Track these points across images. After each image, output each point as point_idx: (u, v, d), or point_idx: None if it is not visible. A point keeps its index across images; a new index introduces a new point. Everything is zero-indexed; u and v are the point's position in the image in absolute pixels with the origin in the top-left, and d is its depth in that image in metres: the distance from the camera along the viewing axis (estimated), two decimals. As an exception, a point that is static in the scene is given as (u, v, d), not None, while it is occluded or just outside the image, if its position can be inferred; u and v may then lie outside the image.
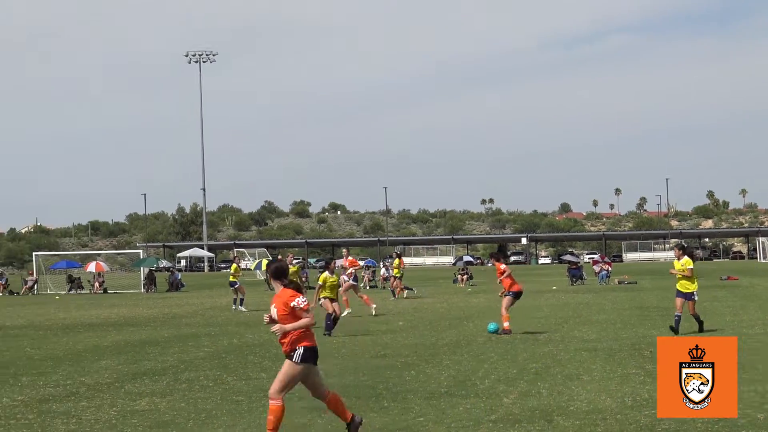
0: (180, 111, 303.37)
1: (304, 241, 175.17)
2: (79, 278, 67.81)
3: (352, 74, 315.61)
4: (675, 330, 21.90)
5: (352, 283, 33.91)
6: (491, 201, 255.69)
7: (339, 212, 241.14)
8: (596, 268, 58.08)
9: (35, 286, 65.47)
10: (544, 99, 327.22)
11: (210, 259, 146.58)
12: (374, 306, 32.36)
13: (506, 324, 23.83)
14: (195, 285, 72.42)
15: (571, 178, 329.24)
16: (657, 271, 74.03)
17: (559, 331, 24.27)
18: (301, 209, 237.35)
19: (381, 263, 76.46)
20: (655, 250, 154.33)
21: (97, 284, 65.07)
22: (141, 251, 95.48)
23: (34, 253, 75.49)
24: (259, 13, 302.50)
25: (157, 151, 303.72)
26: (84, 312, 38.96)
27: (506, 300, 24.05)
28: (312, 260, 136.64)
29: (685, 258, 22.86)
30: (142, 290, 63.88)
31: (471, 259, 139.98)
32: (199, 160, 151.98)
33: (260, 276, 78.39)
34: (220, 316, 34.62)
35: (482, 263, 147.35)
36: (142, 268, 71.09)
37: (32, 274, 67.68)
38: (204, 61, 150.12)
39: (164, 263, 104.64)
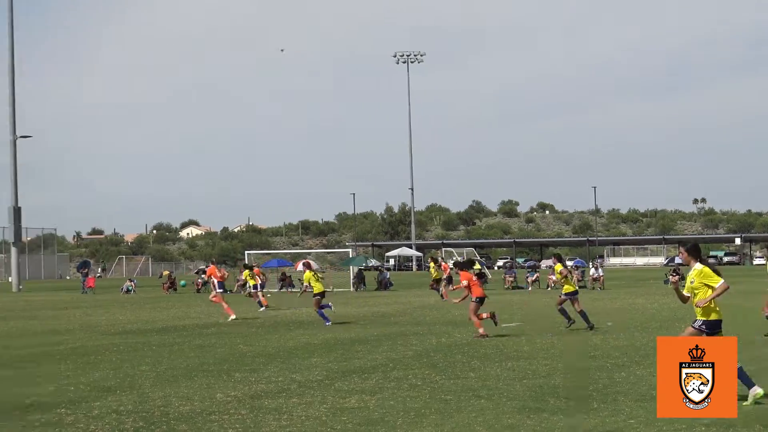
0: (388, 111, 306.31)
1: (512, 240, 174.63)
2: (290, 277, 69.04)
3: (559, 71, 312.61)
4: None
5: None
6: (703, 200, 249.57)
7: (547, 212, 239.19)
8: (815, 269, 55.96)
9: (247, 284, 66.85)
10: (756, 94, 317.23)
11: (418, 259, 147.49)
12: (233, 317, 34.01)
13: (481, 330, 24.75)
14: (403, 284, 72.99)
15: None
16: None
17: (776, 334, 23.45)
18: (509, 209, 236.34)
19: (590, 263, 75.58)
20: None
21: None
22: (350, 250, 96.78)
23: (246, 252, 77.29)
24: (464, 14, 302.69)
25: (366, 151, 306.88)
26: (295, 310, 39.68)
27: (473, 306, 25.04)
28: (520, 260, 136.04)
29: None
30: (352, 289, 64.68)
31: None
32: (407, 159, 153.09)
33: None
34: (428, 315, 34.74)
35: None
36: (351, 267, 72.02)
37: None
38: (412, 62, 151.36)
39: (373, 262, 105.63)
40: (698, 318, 13.60)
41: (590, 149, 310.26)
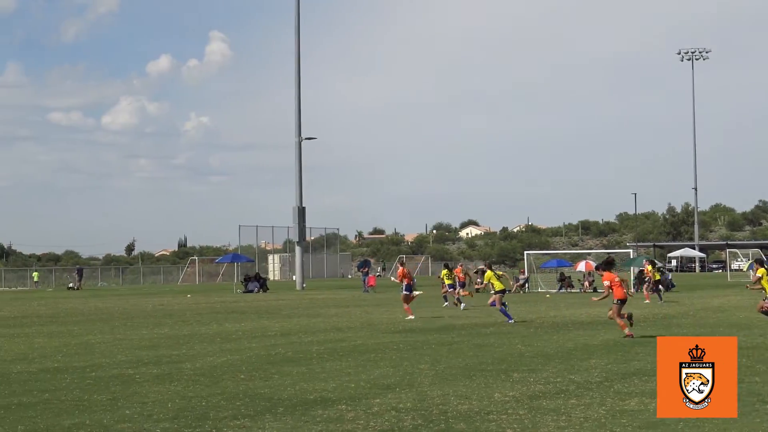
0: (671, 109, 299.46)
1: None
2: (569, 277, 68.66)
3: None
4: None
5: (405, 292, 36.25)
6: None
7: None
8: None
9: (526, 285, 66.93)
10: None
11: (701, 260, 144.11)
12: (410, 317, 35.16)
13: (627, 330, 25.59)
14: (685, 285, 71.37)
15: None
16: None
17: None
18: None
19: None
20: None
21: (587, 283, 65.64)
22: (631, 251, 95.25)
23: (525, 252, 77.32)
24: (753, 9, 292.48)
25: (648, 151, 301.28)
26: (574, 311, 39.35)
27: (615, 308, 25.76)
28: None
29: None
30: (632, 290, 63.66)
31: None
32: (690, 158, 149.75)
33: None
34: (711, 317, 33.81)
35: None
36: (632, 268, 70.93)
37: (523, 273, 69.28)
38: (696, 59, 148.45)
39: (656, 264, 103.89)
40: None
41: None
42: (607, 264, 27.15)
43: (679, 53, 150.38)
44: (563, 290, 65.05)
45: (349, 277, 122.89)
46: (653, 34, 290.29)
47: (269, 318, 37.09)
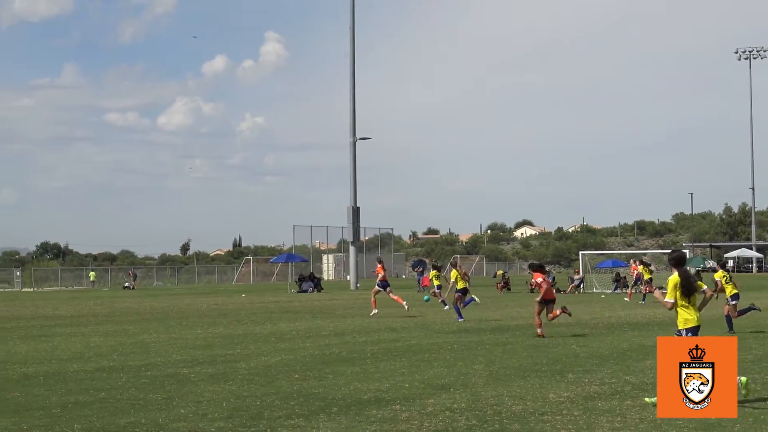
0: (728, 108, 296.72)
1: None
2: (625, 277, 68.28)
3: None
4: None
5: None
6: None
7: None
8: None
9: (581, 285, 66.60)
10: None
11: (758, 260, 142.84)
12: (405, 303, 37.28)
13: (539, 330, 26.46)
14: (742, 286, 70.53)
15: None
16: None
17: None
18: None
19: None
20: None
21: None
22: (687, 251, 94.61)
23: (580, 252, 76.95)
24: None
25: (704, 150, 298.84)
26: (629, 311, 39.15)
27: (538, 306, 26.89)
28: None
29: None
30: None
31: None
32: (747, 158, 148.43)
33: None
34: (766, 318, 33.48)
35: None
36: (688, 268, 70.40)
37: (578, 273, 68.95)
38: (754, 58, 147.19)
39: (710, 263, 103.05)
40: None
41: None
42: (539, 266, 28.97)
43: (736, 52, 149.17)
44: (618, 290, 64.67)
45: (404, 276, 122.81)
46: (710, 33, 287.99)
47: (323, 318, 37.18)
